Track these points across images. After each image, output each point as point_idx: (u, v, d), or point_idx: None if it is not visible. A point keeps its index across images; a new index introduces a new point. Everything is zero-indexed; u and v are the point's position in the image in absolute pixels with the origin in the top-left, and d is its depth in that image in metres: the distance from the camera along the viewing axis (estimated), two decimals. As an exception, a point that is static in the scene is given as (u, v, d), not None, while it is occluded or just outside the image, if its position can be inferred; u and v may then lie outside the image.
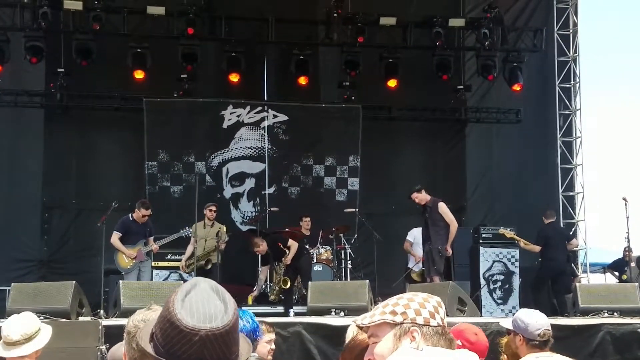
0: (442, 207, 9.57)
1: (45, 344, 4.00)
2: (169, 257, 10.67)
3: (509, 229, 10.98)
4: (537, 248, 10.72)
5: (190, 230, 10.11)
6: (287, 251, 10.11)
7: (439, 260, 9.44)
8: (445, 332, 1.85)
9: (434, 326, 1.83)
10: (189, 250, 10.18)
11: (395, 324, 1.84)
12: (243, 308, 3.76)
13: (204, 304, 1.50)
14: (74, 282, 7.33)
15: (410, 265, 11.18)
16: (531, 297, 10.61)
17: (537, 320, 3.75)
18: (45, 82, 12.52)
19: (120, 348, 3.23)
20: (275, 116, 12.98)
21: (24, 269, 11.99)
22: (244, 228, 12.49)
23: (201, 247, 10.25)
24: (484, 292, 10.74)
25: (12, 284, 7.49)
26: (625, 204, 9.79)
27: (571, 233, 12.44)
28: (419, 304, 1.86)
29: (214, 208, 10.49)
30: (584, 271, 12.95)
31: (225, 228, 10.55)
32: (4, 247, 12.02)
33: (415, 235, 11.14)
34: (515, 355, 3.80)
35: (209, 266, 10.10)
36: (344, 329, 6.65)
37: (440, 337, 1.83)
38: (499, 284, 10.92)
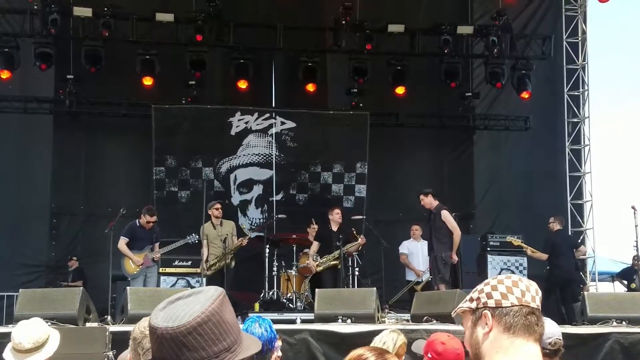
0: (445, 215, 9.55)
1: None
2: (176, 263, 10.66)
3: (516, 237, 10.94)
4: (544, 256, 10.67)
5: (197, 236, 10.07)
6: (359, 239, 10.25)
7: (443, 268, 9.41)
8: (523, 312, 1.79)
9: (507, 306, 1.80)
10: (205, 253, 10.14)
11: (472, 311, 1.85)
12: (261, 316, 3.74)
13: (182, 307, 1.49)
14: (81, 288, 7.37)
15: (408, 277, 11.21)
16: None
17: (549, 329, 3.71)
18: (54, 88, 12.60)
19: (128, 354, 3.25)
20: (283, 123, 12.99)
21: (32, 274, 12.03)
22: (252, 234, 12.48)
23: (218, 247, 10.09)
24: (492, 300, 10.68)
25: (20, 289, 7.51)
26: (634, 212, 9.75)
27: (579, 241, 12.37)
28: (492, 287, 1.84)
29: (219, 206, 10.34)
30: (593, 279, 12.88)
31: (242, 226, 10.49)
32: (12, 253, 12.07)
33: (408, 246, 11.30)
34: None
35: (233, 264, 10.02)
36: (351, 336, 6.67)
37: (516, 316, 1.79)
38: (506, 291, 10.86)
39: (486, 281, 1.89)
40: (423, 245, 10.84)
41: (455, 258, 9.54)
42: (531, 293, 1.82)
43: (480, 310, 1.83)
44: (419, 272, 10.93)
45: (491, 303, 1.81)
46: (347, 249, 10.25)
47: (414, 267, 11.11)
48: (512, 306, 1.79)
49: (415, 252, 11.13)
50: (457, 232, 9.54)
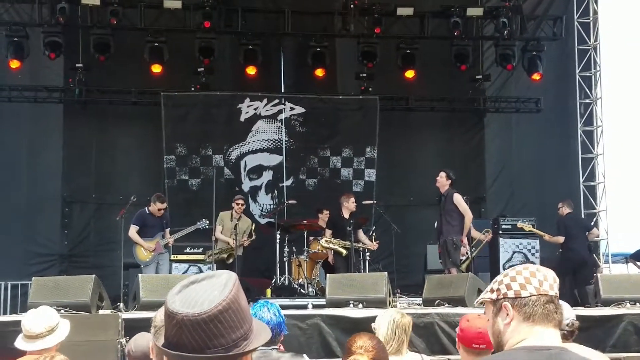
0: (457, 198, 9.48)
1: (66, 337, 4.04)
2: (187, 250, 10.71)
3: (527, 222, 10.87)
4: (560, 239, 10.61)
5: (207, 222, 10.11)
6: (373, 244, 10.39)
7: (454, 252, 9.36)
8: (542, 301, 1.88)
9: (526, 297, 1.88)
10: (220, 237, 10.20)
11: (493, 302, 1.94)
12: (270, 301, 3.74)
13: (199, 292, 1.49)
14: (93, 275, 7.39)
15: None
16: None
17: (566, 310, 3.74)
18: (63, 77, 12.61)
19: (141, 338, 3.26)
20: (292, 108, 12.96)
21: (45, 263, 12.10)
22: (262, 221, 12.50)
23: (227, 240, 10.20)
24: (504, 283, 10.64)
25: (33, 278, 7.55)
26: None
27: (592, 223, 12.31)
28: (510, 277, 1.93)
29: (241, 202, 10.42)
30: (606, 261, 12.82)
31: (253, 226, 10.53)
32: (25, 242, 12.14)
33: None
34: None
35: (231, 260, 10.11)
36: (362, 320, 6.66)
37: (535, 306, 1.88)
38: (519, 275, 10.82)
39: (505, 272, 1.97)
40: None
41: (465, 242, 9.48)
42: (549, 282, 1.91)
43: (501, 301, 1.91)
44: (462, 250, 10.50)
45: (510, 294, 1.89)
46: (359, 245, 10.30)
47: None
48: (530, 296, 1.88)
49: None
50: (468, 216, 9.47)
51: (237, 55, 12.55)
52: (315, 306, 8.26)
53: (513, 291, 1.90)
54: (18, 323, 4.12)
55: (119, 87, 12.87)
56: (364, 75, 12.93)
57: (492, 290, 1.95)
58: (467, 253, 9.97)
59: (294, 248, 10.80)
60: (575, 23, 13.14)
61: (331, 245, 10.22)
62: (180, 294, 1.50)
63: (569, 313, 3.76)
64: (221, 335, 1.47)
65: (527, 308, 1.88)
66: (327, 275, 8.43)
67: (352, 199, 10.53)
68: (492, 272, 10.75)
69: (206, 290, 1.49)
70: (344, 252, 10.13)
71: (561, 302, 3.93)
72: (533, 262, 10.75)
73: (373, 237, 10.66)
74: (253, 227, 10.53)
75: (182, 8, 12.06)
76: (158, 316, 2.07)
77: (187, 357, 1.47)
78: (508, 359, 1.88)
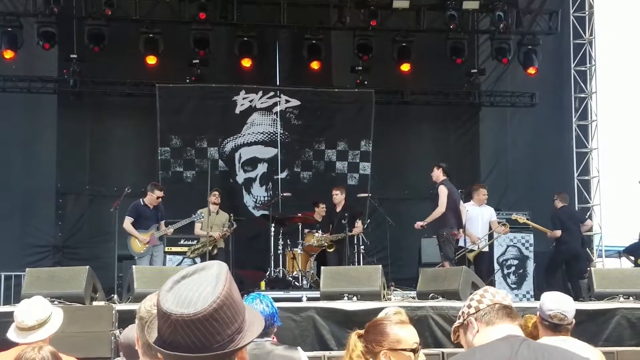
0: (440, 190, 9.50)
1: (60, 329, 4.02)
2: (181, 242, 10.70)
3: (522, 215, 10.88)
4: (557, 233, 10.64)
5: (202, 214, 10.11)
6: (354, 229, 10.45)
7: (444, 246, 9.37)
8: (496, 308, 2.25)
9: (483, 308, 2.27)
10: (200, 233, 10.27)
11: (461, 324, 2.33)
12: (262, 293, 3.76)
13: (192, 289, 1.46)
14: (87, 267, 7.38)
15: (461, 243, 10.77)
16: (545, 281, 10.55)
17: (551, 301, 3.77)
18: (58, 68, 12.54)
19: (132, 330, 3.25)
20: (287, 101, 12.92)
21: (39, 254, 12.07)
22: (257, 213, 12.49)
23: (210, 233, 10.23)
24: (498, 277, 10.69)
25: (27, 269, 7.53)
26: (642, 188, 9.70)
27: (585, 216, 12.34)
28: (469, 301, 2.33)
29: (216, 194, 10.42)
30: (599, 255, 12.86)
31: (232, 217, 10.52)
32: (19, 233, 12.11)
33: (469, 209, 10.19)
34: (532, 336, 3.80)
35: (215, 251, 10.11)
36: (356, 313, 6.67)
37: (491, 313, 2.25)
38: (513, 268, 10.87)
39: (465, 302, 2.38)
40: (484, 210, 10.26)
41: (454, 234, 9.44)
42: (501, 294, 2.32)
43: (466, 320, 2.30)
44: (474, 238, 9.98)
45: (472, 311, 2.30)
46: (343, 235, 10.32)
47: (470, 232, 9.90)
48: (487, 307, 2.28)
49: (475, 216, 10.05)
50: (440, 209, 9.43)
51: (233, 47, 12.51)
52: (309, 299, 8.28)
53: (473, 308, 2.29)
54: (12, 314, 4.09)
55: (114, 78, 12.80)
56: (360, 68, 12.91)
57: (458, 317, 2.33)
58: (477, 243, 9.99)
59: (288, 241, 10.80)
60: (571, 17, 13.13)
61: (321, 242, 10.34)
62: (172, 291, 1.47)
63: (555, 306, 3.75)
64: (217, 332, 1.45)
65: (486, 316, 2.25)
66: (322, 268, 8.44)
67: (333, 192, 10.65)
68: (487, 266, 10.77)
69: (199, 285, 1.47)
70: (327, 245, 10.28)
71: (557, 293, 3.96)
72: (527, 256, 10.84)
73: (364, 226, 10.74)
74: (232, 217, 10.52)
75: (178, -1, 12.02)
76: (143, 307, 2.06)
77: (183, 357, 1.45)
78: (487, 348, 2.15)
